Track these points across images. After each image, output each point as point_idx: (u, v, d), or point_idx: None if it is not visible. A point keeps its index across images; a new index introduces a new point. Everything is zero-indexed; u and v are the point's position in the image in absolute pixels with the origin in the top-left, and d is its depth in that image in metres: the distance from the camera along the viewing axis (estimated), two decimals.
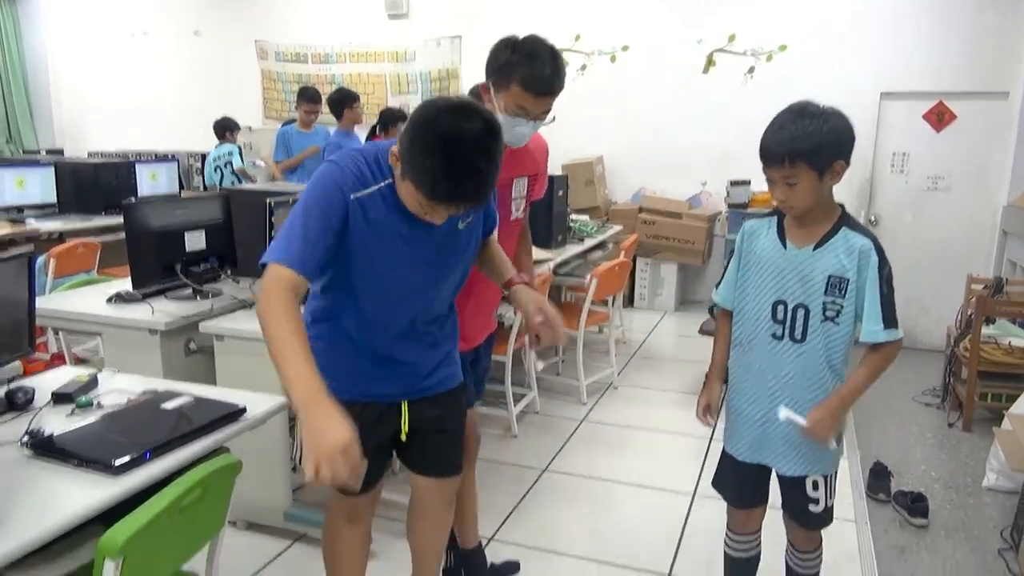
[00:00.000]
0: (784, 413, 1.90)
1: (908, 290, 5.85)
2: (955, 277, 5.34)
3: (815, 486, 1.99)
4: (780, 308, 1.91)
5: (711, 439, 3.85)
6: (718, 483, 2.18)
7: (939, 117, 5.70)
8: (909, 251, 5.83)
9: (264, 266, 1.62)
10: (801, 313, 1.89)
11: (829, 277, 1.85)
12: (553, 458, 3.61)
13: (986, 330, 4.12)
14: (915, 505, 3.15)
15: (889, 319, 1.82)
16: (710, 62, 6.33)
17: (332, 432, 1.38)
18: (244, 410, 1.87)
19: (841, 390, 1.90)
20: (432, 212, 1.63)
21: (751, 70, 6.22)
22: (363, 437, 1.45)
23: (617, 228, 5.66)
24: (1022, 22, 5.33)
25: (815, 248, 1.87)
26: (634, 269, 6.41)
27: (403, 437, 1.93)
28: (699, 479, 3.41)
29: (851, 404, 1.90)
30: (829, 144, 1.78)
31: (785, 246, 1.91)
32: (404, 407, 1.91)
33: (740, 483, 2.10)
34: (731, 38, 6.23)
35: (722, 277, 2.07)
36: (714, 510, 3.11)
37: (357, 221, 1.67)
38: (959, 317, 4.58)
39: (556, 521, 3.04)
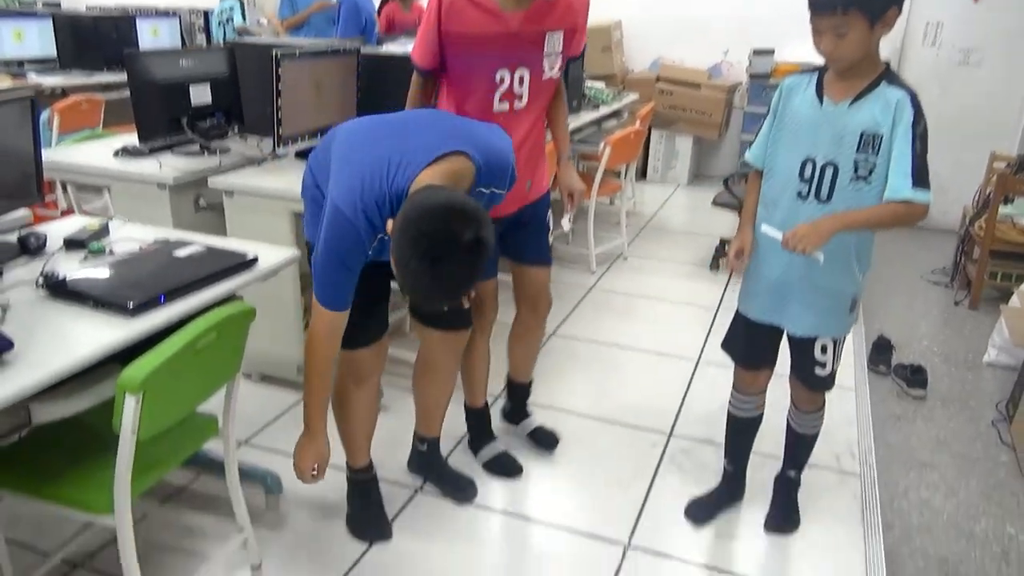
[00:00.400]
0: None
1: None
2: (977, 158, 5.20)
3: (823, 349, 2.02)
4: (808, 166, 1.86)
5: (718, 309, 3.89)
6: (728, 344, 2.21)
7: None
8: (932, 127, 5.61)
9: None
10: (829, 171, 1.83)
11: (862, 133, 1.78)
12: (562, 323, 3.66)
13: (1004, 209, 4.06)
14: (914, 377, 3.21)
15: (920, 178, 1.74)
16: None
17: (310, 453, 1.90)
18: (256, 260, 1.87)
19: (840, 213, 1.82)
20: None
21: None
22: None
23: (633, 97, 5.49)
24: None
25: (851, 103, 1.79)
26: (648, 141, 6.27)
27: None
28: (704, 347, 3.47)
29: (840, 227, 1.79)
30: None
31: (822, 102, 1.83)
32: None
33: (751, 343, 2.13)
34: None
35: (755, 136, 2.01)
36: (718, 375, 3.18)
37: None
38: (977, 196, 4.51)
39: (562, 382, 3.12)
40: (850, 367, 3.32)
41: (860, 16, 1.67)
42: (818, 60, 1.84)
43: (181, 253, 1.87)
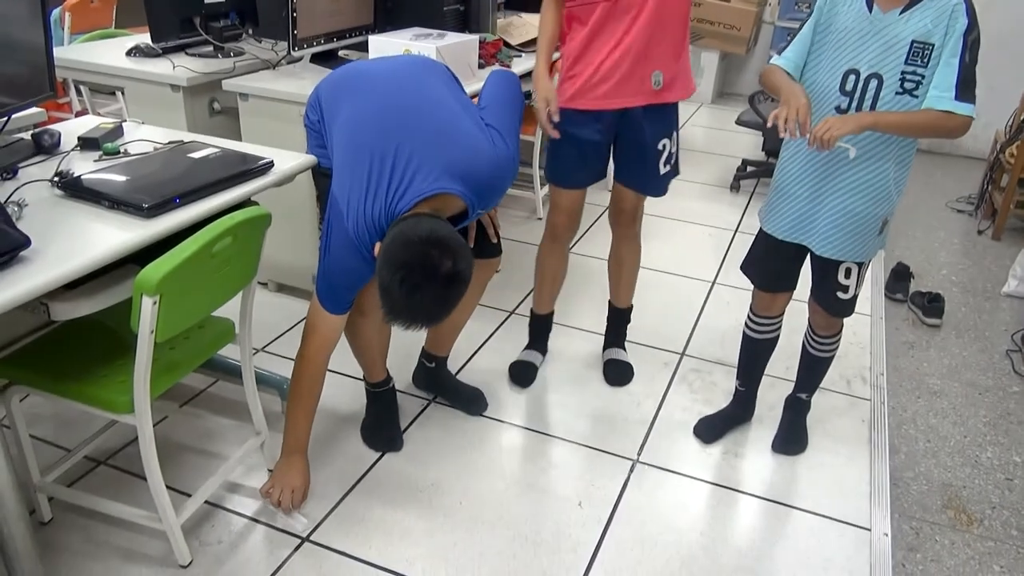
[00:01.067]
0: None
1: None
2: (1015, 81, 5.02)
3: (847, 273, 1.98)
4: (851, 78, 1.77)
5: (735, 231, 3.85)
6: (748, 265, 2.17)
7: None
8: None
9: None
10: (874, 84, 1.75)
11: (913, 43, 1.70)
12: (579, 240, 3.63)
13: None
14: (930, 305, 3.18)
15: (964, 90, 1.67)
16: None
17: (291, 477, 1.95)
18: (272, 164, 1.85)
19: (874, 112, 1.75)
20: None
21: None
22: None
23: None
24: None
25: (902, 11, 1.71)
26: None
27: None
28: (720, 269, 3.44)
29: (871, 124, 1.71)
30: None
31: (871, 10, 1.74)
32: None
33: (773, 264, 2.10)
34: None
35: (790, 41, 1.87)
36: (732, 298, 3.17)
37: None
38: (1011, 121, 4.36)
39: (575, 299, 3.11)
40: (867, 293, 3.29)
41: None
42: None
43: (196, 155, 1.84)
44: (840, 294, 2.02)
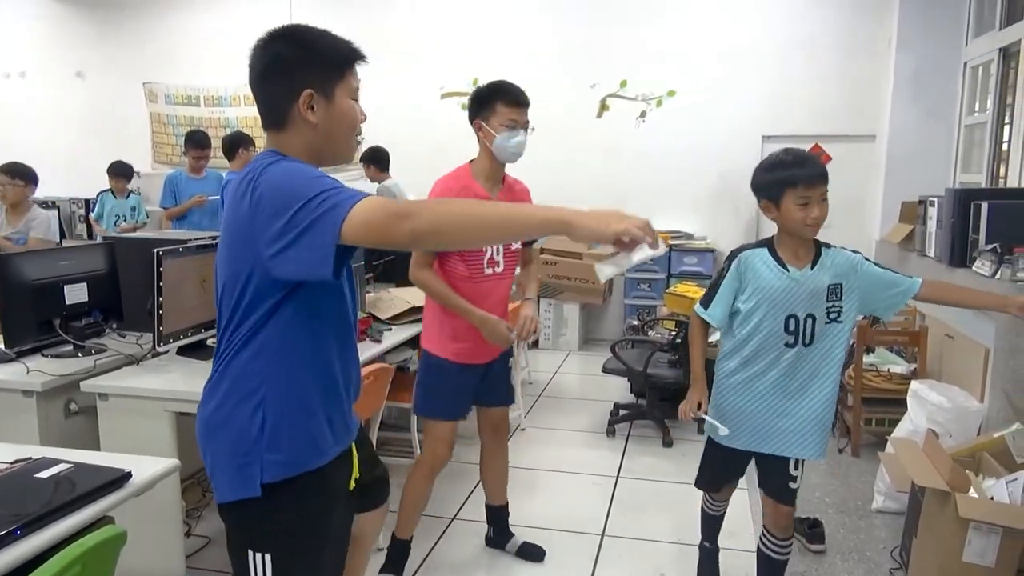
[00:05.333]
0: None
1: None
2: None
3: (796, 465, 2.34)
4: (792, 321, 2.23)
5: (617, 477, 3.90)
6: (703, 480, 2.58)
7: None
8: None
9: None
10: (810, 321, 2.22)
11: (829, 286, 2.21)
12: (463, 505, 3.56)
13: (867, 358, 4.36)
14: (812, 531, 3.26)
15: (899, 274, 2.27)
16: (603, 107, 6.55)
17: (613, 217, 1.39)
18: (130, 475, 1.76)
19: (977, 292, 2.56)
20: (357, 98, 1.60)
21: (643, 114, 6.46)
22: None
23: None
24: (883, 71, 5.78)
25: (812, 267, 2.23)
26: (538, 310, 6.46)
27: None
28: (607, 518, 3.43)
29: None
30: None
31: (787, 269, 2.23)
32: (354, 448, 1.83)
33: (730, 469, 2.51)
34: (623, 84, 6.47)
35: (709, 296, 2.35)
36: (624, 550, 3.13)
37: None
38: None
39: (467, 571, 2.98)
40: (749, 527, 3.34)
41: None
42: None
43: (44, 474, 1.73)
44: (791, 484, 2.35)
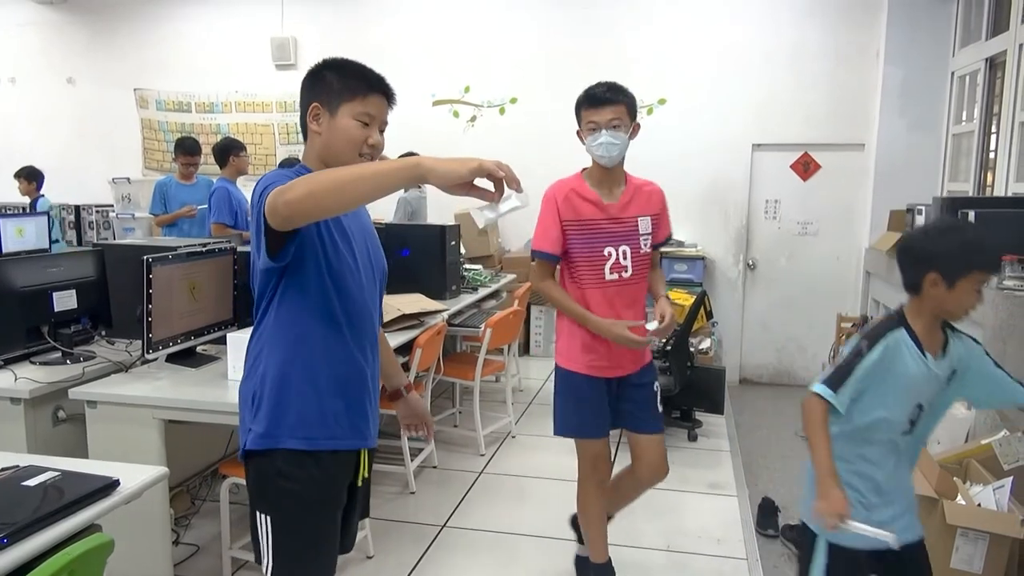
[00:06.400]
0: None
1: (785, 329, 6.19)
2: (827, 316, 5.69)
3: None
4: (916, 409, 1.98)
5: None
6: None
7: (805, 167, 6.12)
8: (784, 292, 6.19)
9: None
10: (927, 408, 2.00)
11: (949, 375, 1.99)
12: (452, 513, 3.55)
13: None
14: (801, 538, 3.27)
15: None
16: None
17: None
18: (117, 483, 1.75)
19: None
20: (371, 123, 1.72)
21: None
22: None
23: (511, 277, 5.72)
24: (872, 81, 5.82)
25: (943, 354, 1.98)
26: (529, 317, 6.47)
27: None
28: None
29: None
30: None
31: (925, 356, 1.95)
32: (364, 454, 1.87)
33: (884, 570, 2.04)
34: None
35: (840, 378, 1.94)
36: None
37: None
38: (832, 354, 4.86)
39: None
40: (740, 536, 3.36)
41: None
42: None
43: (32, 482, 1.72)
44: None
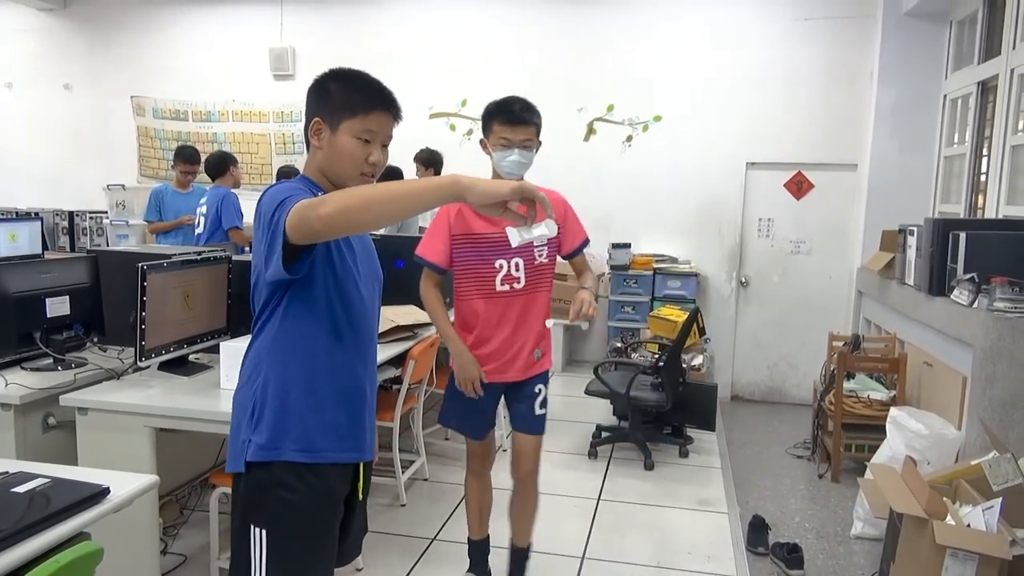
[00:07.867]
0: None
1: (777, 347, 6.22)
2: (819, 334, 5.70)
3: None
4: None
5: (598, 499, 3.89)
6: None
7: (798, 186, 6.16)
8: (777, 311, 6.21)
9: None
10: None
11: None
12: (443, 526, 3.54)
13: (847, 384, 4.39)
14: (791, 556, 3.27)
15: None
16: (591, 130, 6.61)
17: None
18: (107, 491, 1.74)
19: None
20: (372, 140, 1.71)
21: (629, 139, 6.53)
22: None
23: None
24: (866, 102, 5.88)
25: None
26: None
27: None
28: (587, 541, 3.43)
29: None
30: None
31: None
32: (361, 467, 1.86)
33: None
34: (610, 108, 6.54)
35: None
36: (604, 572, 3.13)
37: None
38: (823, 372, 4.87)
39: None
40: (730, 553, 3.35)
41: None
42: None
43: (20, 489, 1.71)
44: None
